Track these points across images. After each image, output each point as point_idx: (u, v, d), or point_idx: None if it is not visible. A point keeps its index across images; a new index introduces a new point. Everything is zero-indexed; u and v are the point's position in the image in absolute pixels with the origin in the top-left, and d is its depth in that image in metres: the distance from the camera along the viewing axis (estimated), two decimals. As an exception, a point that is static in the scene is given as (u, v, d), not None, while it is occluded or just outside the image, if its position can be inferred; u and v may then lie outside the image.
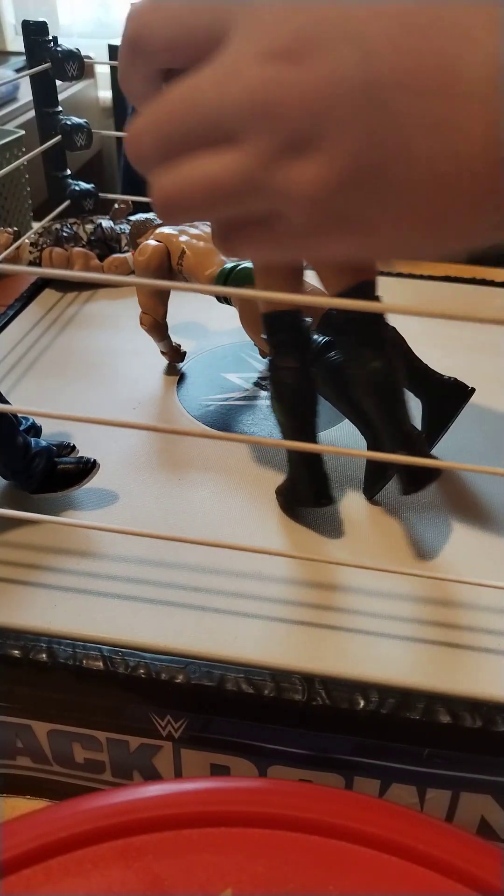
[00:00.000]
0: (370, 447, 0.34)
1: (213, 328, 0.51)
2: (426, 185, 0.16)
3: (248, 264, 0.38)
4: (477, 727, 0.25)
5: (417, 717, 0.25)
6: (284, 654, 0.27)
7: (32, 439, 0.33)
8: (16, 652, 0.27)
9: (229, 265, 0.39)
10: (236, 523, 0.34)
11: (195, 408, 0.42)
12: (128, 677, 0.26)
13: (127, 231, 0.59)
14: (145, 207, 0.63)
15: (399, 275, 0.59)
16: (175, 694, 0.26)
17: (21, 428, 0.34)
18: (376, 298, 0.31)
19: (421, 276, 0.59)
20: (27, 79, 0.53)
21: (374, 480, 0.35)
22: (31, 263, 0.56)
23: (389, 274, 0.59)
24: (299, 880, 0.19)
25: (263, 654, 0.27)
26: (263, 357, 0.47)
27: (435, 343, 0.48)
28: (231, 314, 0.52)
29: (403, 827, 0.20)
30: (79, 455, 0.35)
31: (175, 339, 0.45)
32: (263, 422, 0.41)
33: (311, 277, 0.33)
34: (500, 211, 0.16)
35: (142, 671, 0.26)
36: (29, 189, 0.70)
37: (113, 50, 1.31)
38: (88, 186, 0.59)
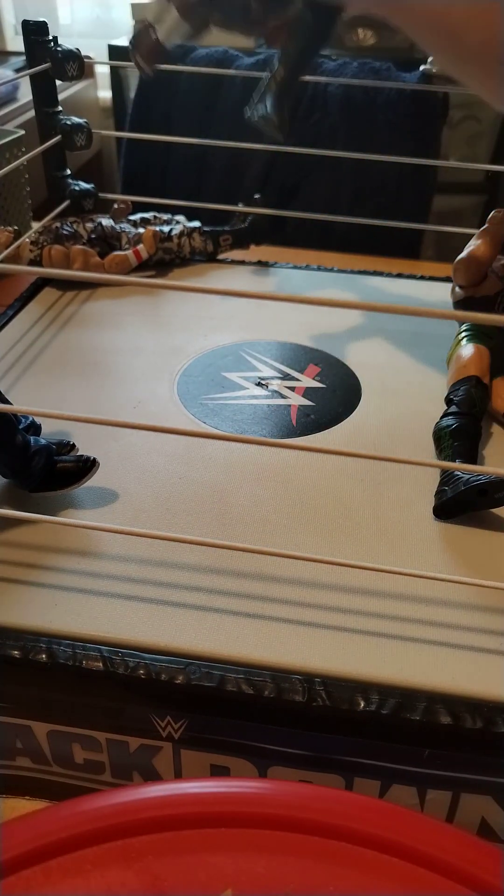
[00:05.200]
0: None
1: (213, 328, 0.51)
2: None
3: None
4: (477, 728, 0.25)
5: (417, 717, 0.25)
6: (284, 654, 0.27)
7: (32, 438, 0.33)
8: (16, 652, 0.27)
9: None
10: (236, 523, 0.34)
11: (195, 407, 0.42)
12: (128, 678, 0.26)
13: (127, 229, 0.59)
14: (145, 207, 0.63)
15: (399, 275, 0.59)
16: (175, 694, 0.26)
17: (21, 426, 0.34)
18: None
19: (421, 277, 0.59)
20: (27, 79, 0.53)
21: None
22: (31, 261, 0.55)
23: (389, 274, 0.60)
24: (299, 880, 0.19)
25: (263, 654, 0.27)
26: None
27: (433, 343, 0.48)
28: (231, 313, 0.53)
29: (403, 827, 0.20)
30: (78, 453, 0.35)
31: (176, 338, 0.45)
32: (263, 421, 0.41)
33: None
34: None
35: (142, 671, 0.26)
36: (29, 189, 0.70)
37: (113, 50, 1.31)
38: (88, 186, 0.59)
